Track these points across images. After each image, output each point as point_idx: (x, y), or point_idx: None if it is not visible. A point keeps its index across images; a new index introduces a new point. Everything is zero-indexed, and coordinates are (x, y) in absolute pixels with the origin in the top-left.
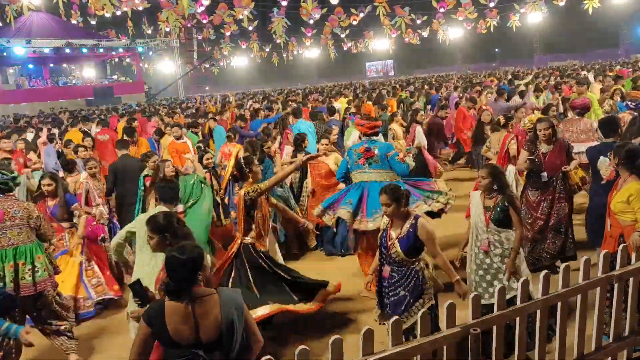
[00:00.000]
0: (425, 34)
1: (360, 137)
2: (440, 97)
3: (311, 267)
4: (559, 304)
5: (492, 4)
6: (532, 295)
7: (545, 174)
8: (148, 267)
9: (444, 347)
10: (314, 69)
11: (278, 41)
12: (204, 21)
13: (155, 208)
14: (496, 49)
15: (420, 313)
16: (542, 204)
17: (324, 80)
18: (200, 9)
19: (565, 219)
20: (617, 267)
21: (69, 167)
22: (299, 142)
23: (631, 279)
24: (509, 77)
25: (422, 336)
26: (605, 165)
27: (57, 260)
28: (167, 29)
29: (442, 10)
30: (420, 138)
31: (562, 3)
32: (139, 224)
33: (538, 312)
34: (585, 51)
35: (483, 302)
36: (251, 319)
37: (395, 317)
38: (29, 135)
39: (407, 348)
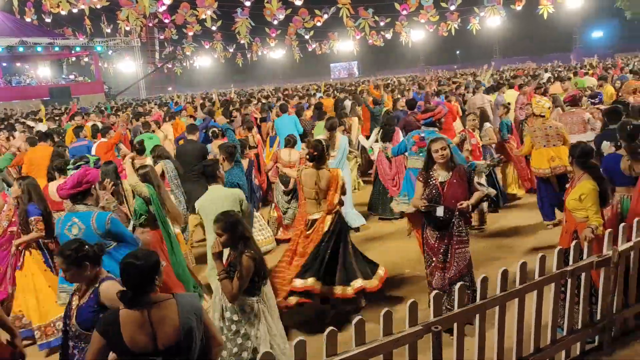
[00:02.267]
0: (388, 35)
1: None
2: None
3: None
4: (517, 299)
5: (452, 7)
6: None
7: (441, 208)
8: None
9: (407, 346)
10: (279, 69)
11: (242, 41)
12: (166, 20)
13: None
14: (457, 51)
15: (383, 312)
16: (441, 247)
17: (288, 81)
18: (162, 8)
19: (466, 270)
20: (570, 262)
21: None
22: (292, 144)
23: (583, 274)
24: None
25: (384, 335)
26: (607, 148)
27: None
28: (127, 28)
29: (404, 12)
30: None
31: (519, 7)
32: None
33: (497, 308)
34: (541, 54)
35: None
36: (210, 322)
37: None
38: None
39: (370, 347)
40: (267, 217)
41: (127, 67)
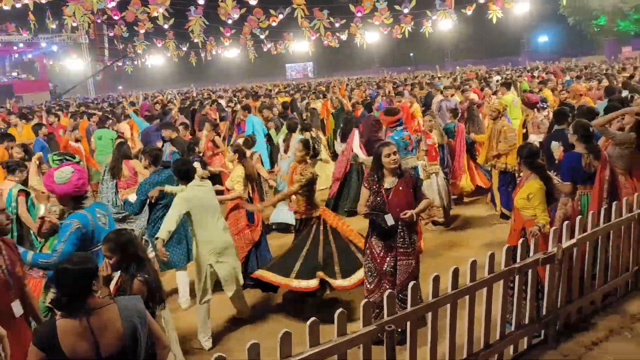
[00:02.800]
0: (343, 37)
1: None
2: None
3: None
4: (467, 297)
5: (406, 10)
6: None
7: (389, 216)
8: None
9: (361, 345)
10: (234, 69)
11: (196, 40)
12: (116, 17)
13: None
14: (411, 54)
15: (337, 313)
16: (387, 259)
17: (243, 81)
18: (111, 5)
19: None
20: (518, 260)
21: None
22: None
23: (530, 271)
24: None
25: (338, 336)
26: (556, 148)
27: None
28: (74, 24)
29: (359, 14)
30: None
31: (469, 12)
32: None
33: (448, 306)
34: (491, 57)
35: None
36: (155, 325)
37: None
38: None
39: (325, 348)
40: None
41: (75, 64)
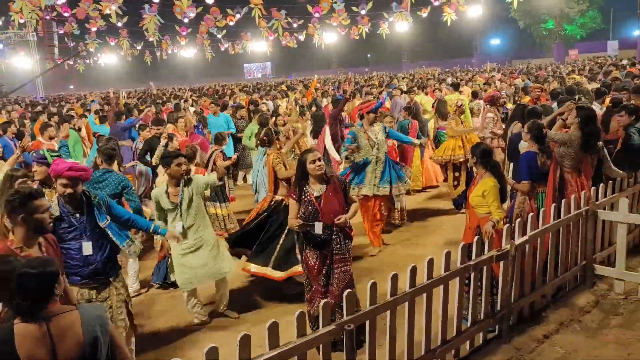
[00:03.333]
0: (301, 37)
1: None
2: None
3: None
4: (425, 294)
5: (363, 12)
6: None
7: (320, 225)
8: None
9: (321, 346)
10: (190, 68)
11: (150, 39)
12: (66, 14)
13: None
14: (368, 55)
15: (297, 313)
16: (322, 269)
17: (200, 80)
18: (61, 1)
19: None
20: (473, 257)
21: None
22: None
23: (484, 267)
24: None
25: (298, 337)
26: (525, 147)
27: None
28: (22, 21)
29: (317, 15)
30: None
31: (425, 14)
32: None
33: (406, 303)
34: (446, 59)
35: None
36: (116, 333)
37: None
38: None
39: (285, 350)
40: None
41: (22, 63)
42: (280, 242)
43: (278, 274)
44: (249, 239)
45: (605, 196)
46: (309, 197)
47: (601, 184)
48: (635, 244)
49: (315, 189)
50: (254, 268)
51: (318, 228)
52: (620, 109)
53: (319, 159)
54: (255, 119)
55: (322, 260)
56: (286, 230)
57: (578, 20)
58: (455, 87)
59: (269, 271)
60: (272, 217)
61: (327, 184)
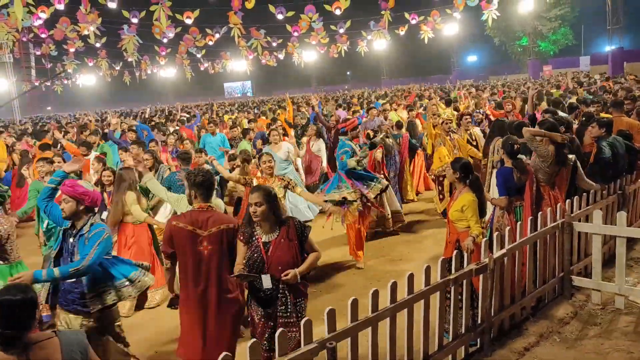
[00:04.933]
0: (281, 56)
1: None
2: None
3: None
4: (405, 310)
5: (342, 30)
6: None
7: (266, 277)
8: None
9: None
10: (170, 88)
11: (130, 59)
12: (43, 35)
13: None
14: (348, 72)
15: (278, 333)
16: (265, 331)
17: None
18: (38, 22)
19: None
20: (453, 271)
21: None
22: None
23: (464, 281)
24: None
25: (280, 356)
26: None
27: None
28: None
29: (296, 34)
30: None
31: (402, 32)
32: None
33: (388, 319)
34: (424, 76)
35: None
36: (96, 358)
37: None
38: None
39: None
40: None
41: None
42: None
43: None
44: None
45: (580, 208)
46: (256, 242)
47: (575, 197)
48: (611, 254)
49: (264, 233)
50: None
51: (266, 281)
52: (592, 122)
53: (258, 204)
54: (245, 139)
55: (266, 320)
56: None
57: (551, 37)
58: (448, 103)
59: None
60: None
61: (280, 227)
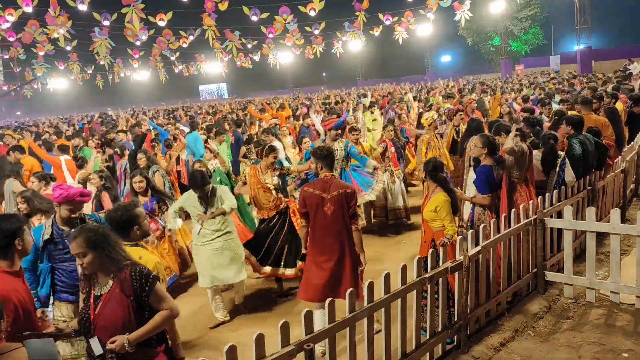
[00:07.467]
0: (256, 57)
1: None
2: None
3: None
4: (383, 309)
5: (316, 32)
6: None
7: (95, 340)
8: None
9: None
10: (144, 91)
11: (102, 62)
12: (11, 39)
13: None
14: (324, 73)
15: (255, 336)
16: None
17: (154, 103)
18: (5, 25)
19: None
20: (429, 269)
21: None
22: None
23: (440, 279)
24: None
25: (257, 359)
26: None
27: None
28: None
29: (270, 35)
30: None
31: (377, 33)
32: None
33: (365, 319)
34: (399, 76)
35: None
36: None
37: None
38: None
39: None
40: None
41: None
42: (287, 242)
43: (289, 271)
44: (254, 246)
45: (552, 204)
46: (91, 294)
47: (547, 193)
48: (582, 249)
49: (100, 284)
50: (268, 269)
51: (95, 347)
52: (562, 120)
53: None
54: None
55: None
56: (289, 231)
57: (522, 36)
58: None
59: (281, 270)
60: (274, 223)
61: (113, 278)
